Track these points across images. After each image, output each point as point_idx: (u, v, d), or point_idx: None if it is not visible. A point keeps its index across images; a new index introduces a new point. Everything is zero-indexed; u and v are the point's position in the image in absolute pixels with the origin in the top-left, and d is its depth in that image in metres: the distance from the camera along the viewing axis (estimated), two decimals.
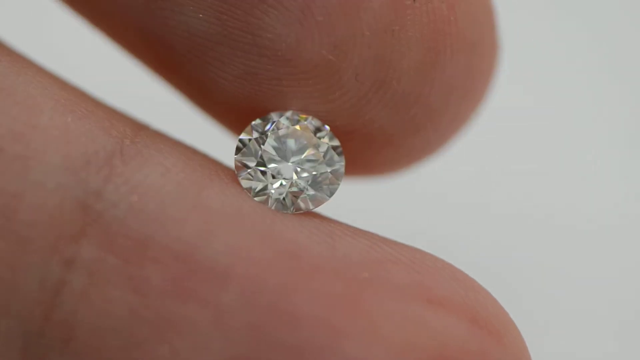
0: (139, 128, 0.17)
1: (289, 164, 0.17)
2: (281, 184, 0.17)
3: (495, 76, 0.18)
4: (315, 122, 0.17)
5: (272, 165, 0.17)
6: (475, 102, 0.18)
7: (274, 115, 0.17)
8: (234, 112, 0.18)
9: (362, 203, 0.31)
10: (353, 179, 0.19)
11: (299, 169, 0.17)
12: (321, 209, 0.17)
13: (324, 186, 0.17)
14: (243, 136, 0.17)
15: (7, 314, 0.15)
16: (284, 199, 0.17)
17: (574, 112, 0.41)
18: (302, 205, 0.17)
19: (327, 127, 0.17)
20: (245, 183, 0.17)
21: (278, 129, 0.17)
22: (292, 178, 0.17)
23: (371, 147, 0.18)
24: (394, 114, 0.17)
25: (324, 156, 0.17)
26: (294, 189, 0.17)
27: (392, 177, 0.19)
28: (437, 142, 0.18)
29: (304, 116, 0.17)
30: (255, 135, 0.17)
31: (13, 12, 0.37)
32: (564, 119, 0.40)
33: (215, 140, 0.21)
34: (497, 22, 0.18)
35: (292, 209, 0.17)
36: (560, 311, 0.36)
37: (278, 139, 0.17)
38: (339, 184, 0.17)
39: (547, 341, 0.34)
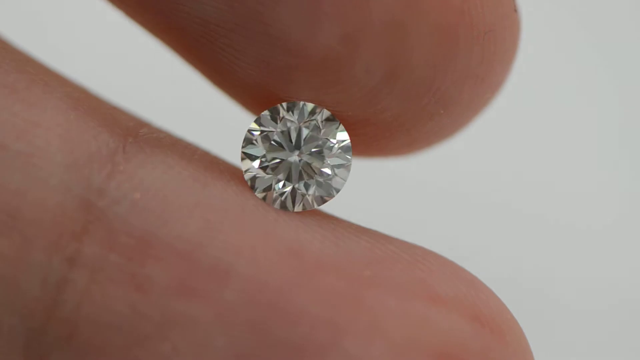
0: (142, 125, 0.17)
1: (295, 159, 0.17)
2: (286, 181, 0.17)
3: (513, 62, 0.18)
4: (326, 115, 0.17)
5: (278, 160, 0.17)
6: (492, 89, 0.18)
7: (283, 107, 0.17)
8: (249, 97, 0.18)
9: (365, 200, 0.31)
10: (368, 159, 0.19)
11: (305, 165, 0.17)
12: (324, 206, 0.17)
13: (329, 184, 0.17)
14: (250, 130, 0.17)
15: (10, 311, 0.15)
16: (287, 196, 0.17)
17: (577, 112, 0.41)
18: (306, 203, 0.17)
19: (338, 121, 0.17)
20: (249, 180, 0.17)
21: (286, 123, 0.17)
22: (297, 175, 0.17)
23: (384, 134, 0.18)
24: (406, 104, 0.17)
25: (332, 153, 0.17)
26: (299, 186, 0.17)
27: (409, 156, 0.19)
28: (453, 127, 0.18)
29: (315, 109, 0.17)
30: (263, 128, 0.17)
31: (15, 10, 0.37)
32: (568, 118, 0.40)
33: (217, 138, 0.21)
34: (516, 11, 0.17)
35: (295, 207, 0.17)
36: (563, 308, 0.36)
37: (285, 133, 0.17)
38: (344, 182, 0.17)
39: (549, 338, 0.34)
